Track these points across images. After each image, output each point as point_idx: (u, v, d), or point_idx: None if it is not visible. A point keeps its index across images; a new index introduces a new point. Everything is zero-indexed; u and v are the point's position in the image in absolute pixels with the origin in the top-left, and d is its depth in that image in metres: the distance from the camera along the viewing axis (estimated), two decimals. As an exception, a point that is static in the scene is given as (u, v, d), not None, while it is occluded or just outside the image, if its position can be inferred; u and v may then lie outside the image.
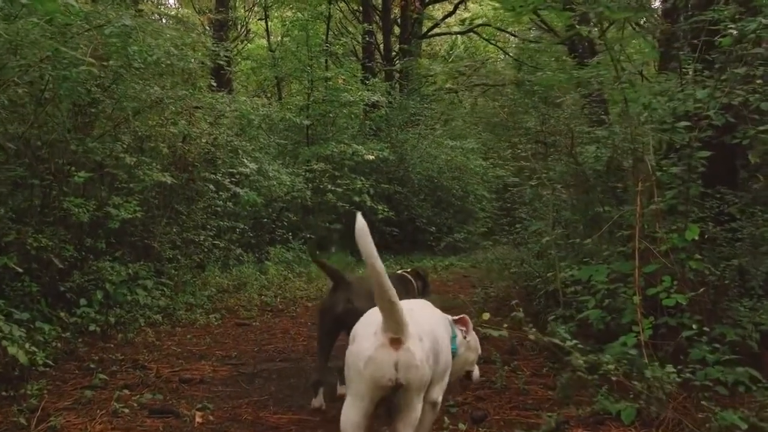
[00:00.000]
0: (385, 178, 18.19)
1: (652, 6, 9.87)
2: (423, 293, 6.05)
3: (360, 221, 3.13)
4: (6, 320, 5.45)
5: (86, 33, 7.49)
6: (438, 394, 3.69)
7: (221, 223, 11.17)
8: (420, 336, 3.34)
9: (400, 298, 3.28)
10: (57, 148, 7.54)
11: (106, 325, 7.26)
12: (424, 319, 3.58)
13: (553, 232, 7.63)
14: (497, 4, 7.32)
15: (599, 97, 8.78)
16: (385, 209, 16.53)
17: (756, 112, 5.73)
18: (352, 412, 3.27)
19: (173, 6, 27.50)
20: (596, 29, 6.86)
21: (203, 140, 10.04)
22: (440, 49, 31.24)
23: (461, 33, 27.38)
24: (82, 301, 7.19)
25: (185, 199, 10.04)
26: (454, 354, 3.92)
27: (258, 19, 26.36)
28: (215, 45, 11.92)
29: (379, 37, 24.60)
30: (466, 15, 26.77)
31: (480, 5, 27.07)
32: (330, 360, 5.27)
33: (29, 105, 7.34)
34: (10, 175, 7.13)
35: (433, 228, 18.65)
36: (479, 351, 4.36)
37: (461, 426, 4.50)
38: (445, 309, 4.16)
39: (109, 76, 7.90)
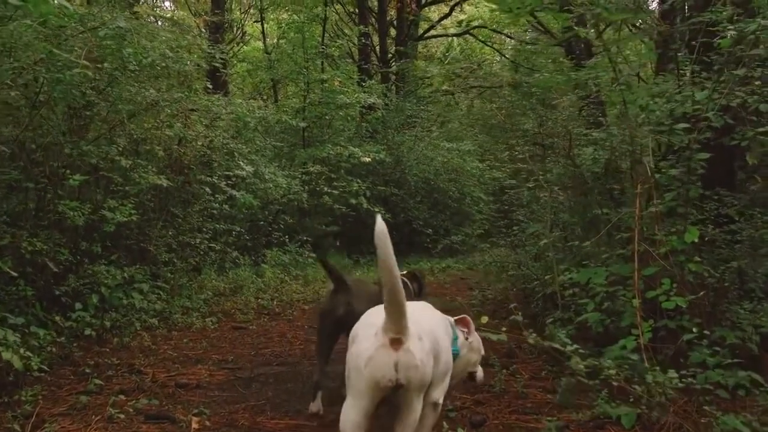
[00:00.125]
0: (382, 181, 18.14)
1: (649, 7, 9.86)
2: (419, 295, 6.03)
3: (380, 223, 3.14)
4: (0, 325, 5.41)
5: (81, 35, 7.45)
6: (439, 395, 3.69)
7: (217, 225, 11.12)
8: (420, 335, 3.34)
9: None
10: (52, 151, 7.49)
11: (102, 329, 7.21)
12: (424, 320, 3.57)
13: (550, 234, 7.60)
14: (494, 6, 7.27)
15: (596, 98, 8.76)
16: (382, 211, 16.43)
17: (754, 113, 5.72)
18: (351, 412, 3.27)
19: (169, 8, 27.45)
20: (594, 31, 6.82)
21: (199, 143, 10.00)
22: (436, 51, 31.23)
23: (457, 35, 27.38)
24: (78, 305, 7.12)
25: (181, 202, 10.00)
26: (455, 355, 3.92)
27: (254, 22, 26.34)
28: (211, 47, 11.86)
29: (375, 39, 24.56)
30: (463, 17, 26.75)
31: (476, 7, 27.08)
32: (329, 364, 5.25)
33: (24, 108, 7.28)
34: (4, 178, 7.08)
35: (430, 230, 18.60)
36: (482, 352, 4.36)
37: (460, 431, 4.46)
38: (443, 311, 4.14)
39: (104, 78, 7.85)
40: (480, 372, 4.40)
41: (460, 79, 21.40)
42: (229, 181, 11.41)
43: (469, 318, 4.14)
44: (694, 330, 4.80)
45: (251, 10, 26.21)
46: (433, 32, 28.12)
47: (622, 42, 6.98)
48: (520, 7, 6.06)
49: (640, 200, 5.51)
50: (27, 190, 7.28)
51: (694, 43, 6.14)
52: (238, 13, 26.02)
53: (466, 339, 4.10)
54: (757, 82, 5.58)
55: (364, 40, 21.78)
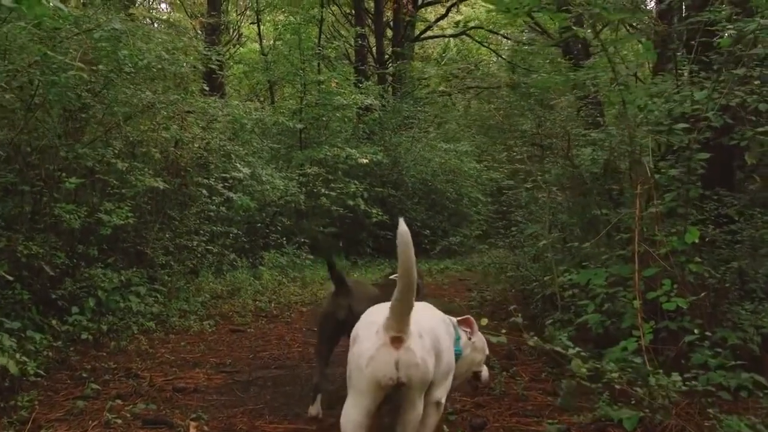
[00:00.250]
0: (379, 182, 18.11)
1: (647, 7, 9.84)
2: (417, 296, 5.99)
3: (402, 227, 3.20)
4: (-4, 330, 5.38)
5: (75, 37, 7.41)
6: (441, 394, 3.69)
7: (214, 228, 11.07)
8: (420, 333, 3.36)
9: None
10: (47, 154, 7.45)
11: (99, 332, 7.15)
12: (425, 319, 3.58)
13: (549, 235, 7.57)
14: (491, 6, 7.24)
15: (594, 99, 8.73)
16: (379, 213, 16.45)
17: (753, 113, 5.70)
18: (353, 411, 3.27)
19: (165, 10, 27.42)
20: (591, 30, 6.80)
21: (196, 145, 9.95)
22: (433, 52, 31.22)
23: (454, 36, 27.36)
24: (74, 309, 7.08)
25: (178, 205, 9.95)
26: (458, 355, 3.94)
27: (250, 23, 26.31)
28: (207, 49, 11.83)
29: (372, 40, 24.56)
30: (459, 18, 26.73)
31: (472, 8, 27.06)
32: (328, 366, 5.22)
33: (19, 110, 7.24)
34: (0, 181, 7.04)
35: (428, 231, 18.55)
36: (486, 352, 4.37)
37: (460, 434, 4.44)
38: (443, 312, 4.11)
39: (100, 81, 7.81)
40: (485, 371, 4.41)
41: (457, 80, 21.37)
42: (226, 183, 11.37)
43: (472, 318, 4.16)
44: (696, 331, 4.77)
45: (247, 12, 26.19)
46: (429, 33, 28.09)
47: (621, 42, 6.95)
48: (518, 7, 6.02)
49: (640, 201, 5.48)
50: (23, 193, 7.23)
51: (692, 42, 6.12)
52: (234, 14, 26.00)
53: (469, 339, 4.10)
54: (756, 82, 5.56)
55: (360, 42, 21.78)
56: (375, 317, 3.43)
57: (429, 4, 27.59)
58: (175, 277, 9.30)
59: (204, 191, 10.48)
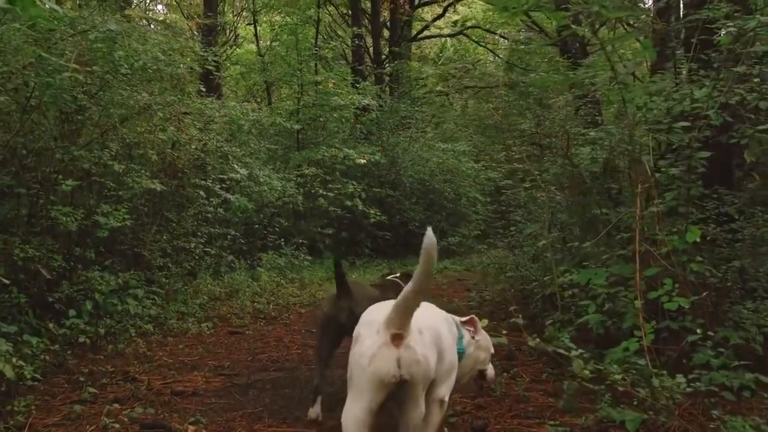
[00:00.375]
0: (377, 182, 18.08)
1: (645, 5, 9.81)
2: None
3: (430, 234, 3.19)
4: (-7, 334, 5.34)
5: (71, 38, 7.37)
6: (445, 392, 3.70)
7: (212, 229, 11.04)
8: (420, 330, 3.37)
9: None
10: (44, 156, 7.42)
11: (96, 336, 7.12)
12: (426, 316, 3.55)
13: (549, 234, 7.53)
14: (489, 5, 7.22)
15: (593, 98, 8.70)
16: (377, 213, 16.44)
17: (752, 111, 5.67)
18: (354, 409, 3.26)
19: (161, 12, 27.37)
20: (590, 29, 6.76)
21: (193, 146, 9.91)
22: (430, 52, 31.20)
23: (451, 35, 27.35)
24: (71, 312, 7.05)
25: (175, 206, 9.91)
26: (461, 354, 3.95)
27: (247, 24, 26.28)
28: (204, 50, 11.79)
29: (369, 40, 24.53)
30: (456, 17, 26.73)
31: (469, 7, 27.06)
32: (328, 368, 5.20)
33: (14, 113, 7.20)
34: (-5, 184, 7.01)
35: (426, 231, 18.50)
36: (491, 350, 4.37)
37: (462, 436, 4.41)
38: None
39: (96, 82, 7.77)
40: (491, 370, 4.41)
41: (454, 80, 21.34)
42: (223, 185, 11.33)
43: (476, 318, 4.17)
44: (699, 331, 4.73)
45: (244, 13, 26.15)
46: (426, 33, 28.07)
47: (619, 40, 6.92)
48: (516, 5, 5.98)
49: (640, 200, 5.44)
50: (19, 196, 7.19)
51: (691, 40, 6.09)
52: (230, 15, 25.95)
53: (473, 338, 4.12)
54: (756, 80, 5.53)
55: (357, 42, 21.74)
56: (375, 315, 3.43)
57: (426, 4, 27.57)
58: (173, 280, 9.25)
59: (201, 193, 10.45)
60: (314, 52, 17.89)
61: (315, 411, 4.94)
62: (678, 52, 6.92)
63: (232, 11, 26.41)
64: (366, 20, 24.54)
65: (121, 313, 7.66)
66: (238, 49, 26.11)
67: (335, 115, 17.78)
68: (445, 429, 4.35)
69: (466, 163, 19.89)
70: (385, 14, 25.40)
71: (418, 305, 3.28)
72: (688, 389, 4.08)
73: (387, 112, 20.04)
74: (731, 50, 5.42)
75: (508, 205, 10.76)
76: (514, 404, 5.12)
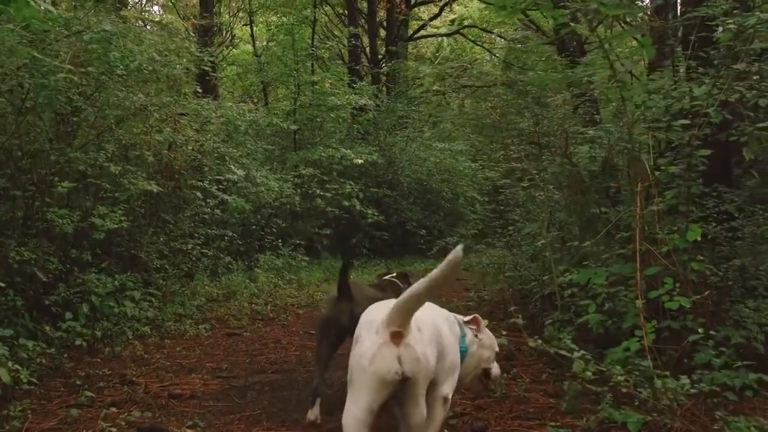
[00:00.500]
0: (374, 182, 18.07)
1: (643, 3, 9.79)
2: None
3: (459, 249, 3.19)
4: (-12, 338, 5.30)
5: (65, 39, 7.32)
6: (448, 390, 3.70)
7: (209, 231, 11.00)
8: (419, 327, 3.37)
9: None
10: (39, 158, 7.37)
11: (93, 338, 7.05)
12: (425, 315, 3.54)
13: (547, 234, 7.50)
14: (486, 4, 7.19)
15: (591, 96, 8.67)
16: (375, 213, 16.42)
17: (751, 108, 5.64)
18: (354, 408, 3.25)
19: (157, 12, 27.32)
20: (588, 27, 6.73)
21: (189, 147, 9.87)
22: (426, 52, 31.19)
23: (447, 35, 27.35)
24: (68, 315, 6.98)
25: (172, 208, 9.86)
26: (464, 352, 3.95)
27: (243, 25, 26.25)
28: (200, 51, 11.74)
29: (365, 40, 24.50)
30: (452, 17, 26.71)
31: (465, 7, 27.03)
32: (328, 370, 5.19)
33: (9, 114, 7.15)
34: (-9, 186, 6.96)
35: (424, 231, 18.53)
36: (496, 348, 4.34)
37: (462, 438, 4.37)
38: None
39: (91, 83, 7.72)
40: (495, 368, 4.38)
41: (451, 79, 21.31)
42: (220, 186, 11.30)
43: (479, 317, 4.17)
44: (701, 331, 4.70)
45: (240, 13, 26.11)
46: (422, 33, 28.04)
47: (617, 38, 6.88)
48: (514, 4, 5.95)
49: (640, 198, 5.41)
50: (14, 198, 7.14)
51: (690, 38, 6.06)
52: (226, 16, 25.91)
53: (476, 336, 4.11)
54: (755, 77, 5.51)
55: (354, 42, 21.72)
56: (374, 315, 3.43)
57: (422, 3, 27.56)
58: (170, 281, 9.20)
59: (198, 194, 10.41)
60: (311, 52, 17.87)
61: (314, 413, 4.89)
62: (677, 49, 6.88)
63: (228, 12, 26.38)
64: (362, 20, 24.52)
65: (117, 315, 7.61)
66: (234, 50, 26.08)
67: (332, 115, 17.77)
68: (445, 431, 4.31)
69: (463, 162, 19.89)
70: (382, 14, 25.38)
71: (420, 305, 3.28)
72: (692, 390, 4.05)
73: (384, 111, 20.02)
74: (731, 47, 5.38)
75: (507, 205, 10.73)
76: (515, 405, 5.08)
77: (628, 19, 9.64)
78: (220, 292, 10.44)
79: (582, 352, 4.49)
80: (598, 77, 6.73)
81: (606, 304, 5.52)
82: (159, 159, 9.28)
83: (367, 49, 24.50)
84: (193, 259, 10.18)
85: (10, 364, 5.19)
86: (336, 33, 25.89)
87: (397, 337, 3.25)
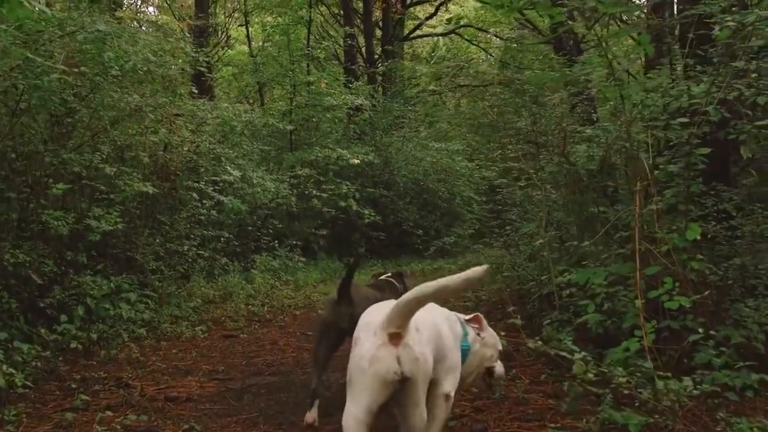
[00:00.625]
0: (371, 182, 18.03)
1: (640, 1, 9.77)
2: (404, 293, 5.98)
3: (481, 270, 3.45)
4: (-18, 342, 5.26)
5: (59, 40, 7.27)
6: (449, 387, 3.71)
7: (205, 232, 10.96)
8: (417, 327, 3.38)
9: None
10: (34, 159, 7.32)
11: (88, 341, 7.00)
12: (424, 315, 3.53)
13: (545, 234, 7.47)
14: (482, 3, 7.16)
15: (588, 95, 8.64)
16: (372, 213, 16.38)
17: (749, 107, 5.62)
18: (354, 410, 3.26)
19: (152, 13, 27.24)
20: (586, 25, 6.70)
21: (185, 148, 9.82)
22: (422, 51, 31.16)
23: (443, 34, 27.31)
24: (63, 318, 6.94)
25: (168, 209, 9.82)
26: (467, 351, 3.96)
27: (238, 26, 26.18)
28: (195, 51, 11.70)
29: (361, 40, 24.47)
30: (448, 16, 26.68)
31: (461, 6, 27.00)
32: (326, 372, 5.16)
33: (3, 116, 7.10)
34: (-15, 189, 6.92)
35: (420, 231, 18.50)
36: (499, 347, 4.33)
37: (461, 440, 4.33)
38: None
39: (86, 84, 7.67)
40: (499, 367, 4.37)
41: (447, 78, 21.30)
42: (216, 187, 11.26)
43: (480, 315, 4.20)
44: (701, 331, 4.67)
45: (235, 14, 26.05)
46: (418, 32, 28.02)
47: (615, 36, 6.86)
48: (512, 2, 5.91)
49: (639, 197, 5.38)
50: (9, 200, 7.10)
51: (689, 35, 6.03)
52: (222, 17, 25.84)
53: (478, 335, 4.12)
54: (753, 75, 5.48)
55: (349, 42, 21.67)
56: (372, 317, 3.44)
57: (418, 3, 27.52)
58: (166, 283, 9.16)
59: (194, 195, 10.36)
60: (306, 52, 17.81)
61: (312, 415, 4.84)
62: (675, 47, 6.86)
63: (224, 12, 26.30)
64: (358, 20, 24.49)
65: (113, 317, 7.56)
66: (230, 51, 26.01)
67: (328, 115, 17.72)
68: (445, 433, 4.28)
69: (459, 162, 19.86)
70: (377, 14, 25.34)
71: (420, 308, 3.30)
72: (695, 392, 4.01)
73: (380, 111, 19.98)
74: (729, 45, 5.35)
75: (504, 204, 10.69)
76: (514, 406, 5.04)
77: (624, 18, 9.62)
78: (217, 294, 10.39)
79: (583, 353, 4.46)
80: (596, 76, 6.71)
81: (605, 304, 5.49)
82: (155, 160, 9.24)
83: (363, 49, 24.46)
84: (189, 260, 10.14)
85: (4, 367, 5.18)
86: (332, 33, 25.82)
87: (396, 338, 3.25)
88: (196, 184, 10.41)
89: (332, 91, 17.34)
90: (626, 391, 4.23)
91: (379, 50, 24.57)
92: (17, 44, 6.62)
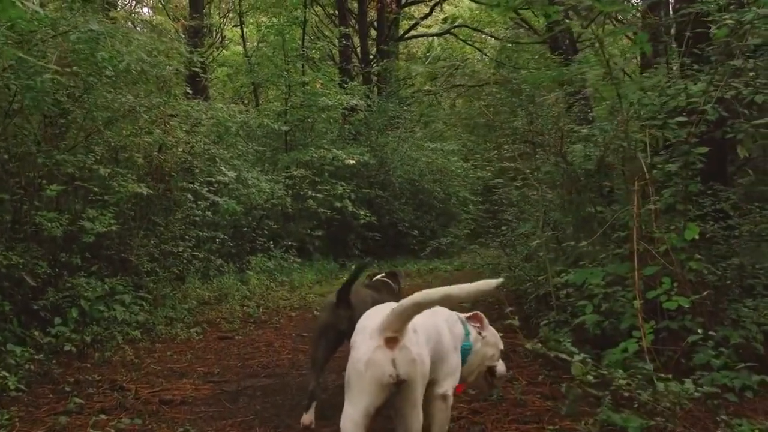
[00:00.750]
0: (366, 183, 18.00)
1: (636, 1, 9.76)
2: (398, 293, 5.99)
3: (492, 283, 3.41)
4: (-25, 344, 5.21)
5: (52, 40, 7.22)
6: (447, 387, 3.72)
7: (200, 233, 10.90)
8: (414, 328, 3.37)
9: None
10: (27, 161, 7.27)
11: (82, 344, 6.95)
12: (423, 317, 3.51)
13: (542, 234, 7.44)
14: (478, 3, 7.13)
15: (584, 94, 8.62)
16: (367, 214, 16.35)
17: (746, 106, 5.59)
18: (352, 412, 3.25)
19: (147, 14, 27.18)
20: (582, 23, 6.68)
21: (180, 149, 9.76)
22: (417, 51, 31.14)
23: (438, 34, 27.29)
24: (57, 320, 6.89)
25: (162, 210, 9.77)
26: (468, 350, 3.96)
27: (233, 26, 26.13)
28: (190, 52, 11.64)
29: (356, 40, 24.44)
30: (443, 16, 26.67)
31: (456, 6, 26.98)
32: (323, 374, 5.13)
33: (-3, 117, 7.06)
34: (-23, 190, 6.86)
35: (416, 231, 18.48)
36: (500, 346, 4.33)
37: (459, 443, 4.29)
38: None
39: (79, 85, 7.62)
40: (501, 366, 4.36)
41: (443, 78, 21.26)
42: (211, 188, 11.21)
43: (480, 314, 4.17)
44: (700, 331, 4.64)
45: (230, 14, 26.01)
46: (413, 32, 27.99)
47: (612, 35, 6.82)
48: (508, 1, 5.88)
49: (637, 197, 5.35)
50: (2, 201, 7.05)
51: (685, 34, 6.00)
52: (216, 17, 25.80)
53: (480, 334, 4.10)
54: (751, 73, 5.46)
55: (344, 42, 21.64)
56: (368, 321, 3.44)
57: (413, 3, 27.49)
58: (161, 284, 9.11)
59: (189, 196, 10.31)
60: (301, 52, 17.79)
61: (309, 417, 4.80)
62: (673, 46, 6.84)
63: (219, 13, 26.27)
64: (353, 20, 24.45)
65: (108, 319, 7.51)
66: (224, 51, 25.97)
67: (323, 115, 17.68)
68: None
69: (455, 162, 19.84)
70: (372, 14, 25.31)
71: (419, 313, 3.30)
72: (696, 394, 3.97)
73: (375, 112, 19.95)
74: (728, 43, 5.33)
75: (500, 204, 10.66)
76: (511, 408, 5.00)
77: (620, 17, 9.61)
78: (212, 295, 10.34)
79: (583, 355, 4.42)
80: (592, 75, 6.68)
81: (603, 305, 5.46)
82: (149, 161, 9.19)
83: (358, 49, 24.44)
84: (184, 261, 10.09)
85: (-3, 371, 5.11)
86: (327, 33, 25.82)
87: (392, 341, 3.25)
88: (190, 185, 10.36)
89: (327, 91, 17.30)
90: (626, 394, 4.19)
91: (374, 50, 24.53)
92: (9, 44, 6.57)
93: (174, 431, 4.78)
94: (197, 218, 10.74)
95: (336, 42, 22.85)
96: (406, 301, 3.25)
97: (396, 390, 3.29)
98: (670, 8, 8.75)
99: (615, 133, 6.35)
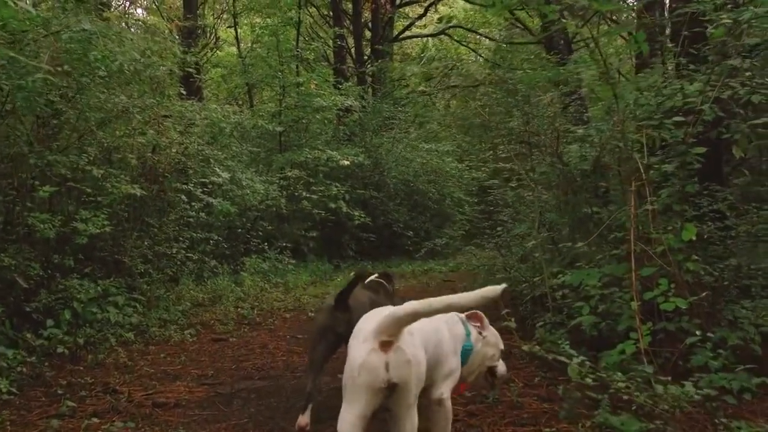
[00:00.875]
0: (361, 184, 17.98)
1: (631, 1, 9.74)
2: (392, 294, 5.97)
3: (497, 290, 3.44)
4: (-34, 348, 5.16)
5: (44, 39, 7.17)
6: (444, 390, 3.73)
7: (194, 234, 10.86)
8: (410, 331, 3.36)
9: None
10: (19, 162, 7.21)
11: (75, 346, 6.90)
12: (425, 318, 3.50)
13: (538, 235, 7.41)
14: (472, 4, 7.10)
15: (579, 95, 8.59)
16: (362, 215, 16.33)
17: (742, 106, 5.57)
18: (349, 415, 3.24)
19: (141, 15, 27.09)
20: (579, 23, 6.66)
21: (173, 150, 9.72)
22: (412, 52, 31.11)
23: (433, 35, 27.27)
24: (49, 322, 6.83)
25: (156, 211, 9.73)
26: (469, 350, 3.96)
27: (227, 27, 26.07)
28: (184, 52, 11.60)
29: (350, 41, 24.41)
30: (438, 17, 26.66)
31: (450, 7, 26.96)
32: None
33: (-12, 118, 7.01)
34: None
35: (411, 232, 18.47)
36: (501, 346, 4.32)
37: (455, 446, 4.25)
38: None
39: (72, 85, 7.57)
40: (501, 366, 4.35)
41: (438, 79, 21.25)
42: (205, 189, 11.17)
43: (480, 313, 4.17)
44: (698, 333, 4.61)
45: (224, 15, 25.96)
46: (408, 33, 27.97)
47: (608, 35, 6.81)
48: (503, 1, 5.85)
49: (634, 197, 5.32)
50: (-6, 203, 7.00)
51: (682, 33, 5.98)
52: (211, 18, 25.73)
53: (480, 334, 4.11)
54: (747, 73, 5.44)
55: (339, 42, 21.60)
56: (364, 324, 3.43)
57: (407, 3, 27.47)
58: (155, 286, 9.06)
59: (183, 197, 10.27)
60: (296, 53, 17.77)
61: (305, 419, 4.74)
62: (670, 45, 6.81)
63: (213, 14, 26.19)
64: (347, 21, 24.42)
65: (101, 321, 7.46)
66: (218, 52, 25.90)
67: (318, 116, 17.68)
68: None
69: (450, 163, 19.84)
70: (367, 14, 25.28)
71: (416, 320, 3.31)
72: (696, 396, 3.94)
73: (370, 112, 19.95)
74: (725, 42, 5.31)
75: (495, 205, 10.63)
76: (508, 410, 4.96)
77: (614, 17, 9.59)
78: (206, 297, 10.30)
79: (581, 357, 4.39)
80: (588, 75, 6.66)
81: (599, 306, 5.43)
82: (142, 162, 9.15)
83: (353, 50, 24.41)
84: (178, 263, 10.05)
85: (-12, 374, 5.06)
86: (321, 34, 25.75)
87: (387, 345, 3.23)
88: (184, 186, 10.32)
89: (322, 92, 17.29)
90: (625, 396, 4.16)
91: (368, 51, 24.51)
92: (1, 44, 6.52)
93: (167, 435, 4.74)
94: (191, 219, 10.71)
95: (330, 43, 22.85)
96: (405, 308, 3.23)
97: (390, 393, 3.27)
98: (665, 8, 8.73)
99: (611, 134, 6.32)
